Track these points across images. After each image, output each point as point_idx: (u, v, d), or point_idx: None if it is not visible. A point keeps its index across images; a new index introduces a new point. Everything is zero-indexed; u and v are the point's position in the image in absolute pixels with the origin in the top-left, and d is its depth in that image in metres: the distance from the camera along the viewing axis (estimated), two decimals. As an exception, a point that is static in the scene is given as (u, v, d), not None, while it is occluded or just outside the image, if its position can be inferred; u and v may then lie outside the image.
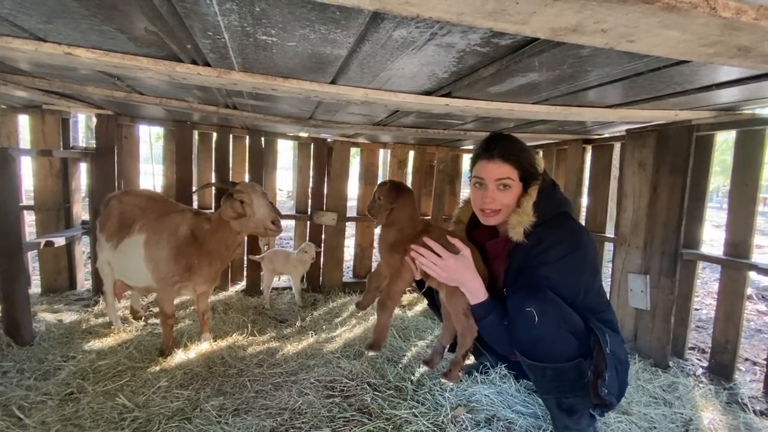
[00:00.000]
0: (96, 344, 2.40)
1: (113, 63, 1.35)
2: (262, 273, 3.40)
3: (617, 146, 2.97)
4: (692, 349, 2.74)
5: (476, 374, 2.12)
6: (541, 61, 1.20)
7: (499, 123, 2.56)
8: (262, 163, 3.45)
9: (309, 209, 3.70)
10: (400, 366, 2.23)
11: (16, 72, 2.02)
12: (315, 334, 2.74)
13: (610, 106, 1.93)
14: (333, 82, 1.55)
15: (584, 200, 3.20)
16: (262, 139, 3.43)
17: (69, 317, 2.77)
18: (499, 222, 1.60)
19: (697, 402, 2.07)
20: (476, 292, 1.53)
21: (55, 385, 1.93)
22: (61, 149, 2.98)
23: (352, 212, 3.84)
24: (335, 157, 3.61)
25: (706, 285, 4.65)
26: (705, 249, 2.49)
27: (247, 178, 3.47)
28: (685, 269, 2.43)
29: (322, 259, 3.69)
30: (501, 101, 1.73)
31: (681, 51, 1.00)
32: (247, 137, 3.40)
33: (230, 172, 3.43)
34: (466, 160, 4.19)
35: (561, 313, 1.37)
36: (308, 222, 3.70)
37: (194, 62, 1.39)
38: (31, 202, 3.05)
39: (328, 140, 3.59)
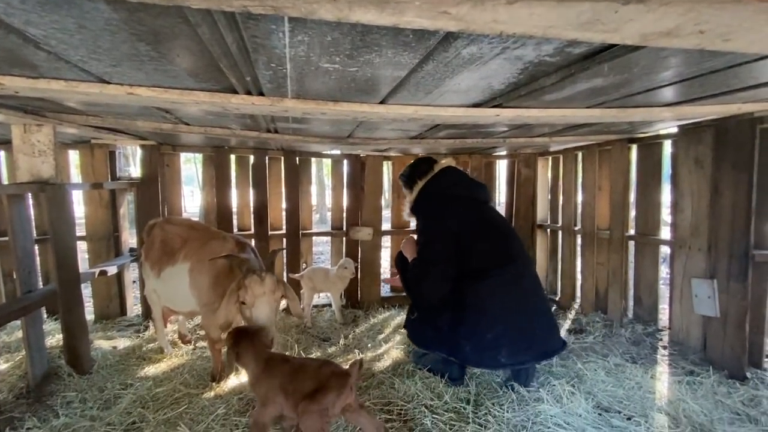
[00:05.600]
0: (151, 370, 2.44)
1: (172, 99, 1.38)
2: (301, 291, 3.41)
3: (666, 144, 2.82)
4: (769, 357, 2.53)
5: (541, 391, 2.03)
6: (612, 66, 1.13)
7: (538, 128, 2.47)
8: (297, 183, 3.48)
9: (344, 225, 3.70)
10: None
11: (72, 111, 2.11)
12: (361, 353, 2.70)
13: (668, 105, 1.83)
14: (383, 102, 1.53)
15: (632, 202, 3.05)
16: (297, 159, 3.46)
17: (122, 343, 2.84)
18: None
19: (787, 418, 1.90)
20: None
21: (118, 414, 1.96)
22: (110, 181, 3.09)
23: (386, 225, 3.82)
24: (368, 172, 3.60)
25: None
26: None
27: (283, 198, 3.50)
28: (757, 272, 2.25)
29: (359, 274, 3.66)
30: (554, 108, 1.67)
31: (779, 46, 0.92)
32: (283, 158, 3.44)
33: (267, 193, 3.47)
34: (500, 166, 4.10)
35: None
36: (344, 238, 3.70)
37: (248, 92, 1.40)
38: (82, 233, 3.18)
39: (361, 155, 3.58)
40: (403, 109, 1.55)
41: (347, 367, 1.57)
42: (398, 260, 2.48)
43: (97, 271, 2.69)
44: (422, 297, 2.21)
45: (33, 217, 2.36)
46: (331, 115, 1.59)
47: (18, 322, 3.11)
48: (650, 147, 2.87)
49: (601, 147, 3.14)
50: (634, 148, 2.97)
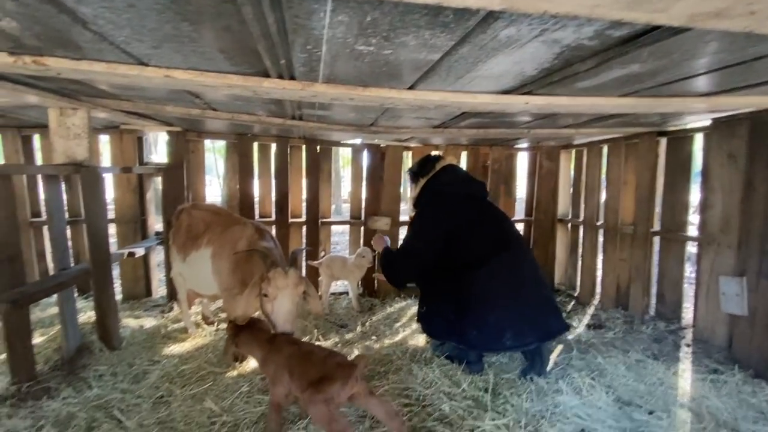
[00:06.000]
0: (176, 349, 2.53)
1: (206, 82, 1.41)
2: (319, 278, 3.46)
3: (697, 138, 2.74)
4: (798, 359, 2.45)
5: (560, 383, 2.03)
6: (651, 51, 1.11)
7: (563, 119, 2.42)
8: (318, 171, 3.51)
9: (362, 214, 3.72)
10: (475, 374, 2.17)
11: (106, 96, 2.18)
12: (378, 340, 2.73)
13: (704, 95, 1.78)
14: (411, 88, 1.54)
15: (658, 198, 2.97)
16: (318, 147, 3.49)
17: (149, 323, 2.94)
18: None
19: (815, 419, 1.85)
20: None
21: (147, 388, 2.04)
22: (138, 165, 3.18)
23: (404, 216, 3.82)
24: (388, 162, 3.61)
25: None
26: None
27: (304, 187, 3.54)
28: (791, 270, 2.18)
29: (376, 264, 3.68)
30: (585, 96, 1.64)
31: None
32: (304, 147, 3.48)
33: (288, 181, 3.52)
34: (522, 159, 4.05)
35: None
36: (362, 227, 3.72)
37: (280, 77, 1.42)
38: (111, 216, 3.28)
39: (381, 145, 3.59)
40: (432, 96, 1.55)
41: (355, 357, 1.60)
42: None
43: (126, 252, 2.79)
44: (389, 277, 2.48)
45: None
46: (359, 101, 1.60)
47: (50, 300, 3.26)
48: (680, 141, 2.79)
49: (628, 140, 3.07)
50: (663, 141, 2.89)
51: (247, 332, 1.81)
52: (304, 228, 3.62)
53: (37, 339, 2.57)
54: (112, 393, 1.99)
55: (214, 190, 13.34)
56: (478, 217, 2.31)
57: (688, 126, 2.71)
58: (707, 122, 2.53)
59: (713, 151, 2.47)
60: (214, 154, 16.09)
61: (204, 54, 1.23)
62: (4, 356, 2.29)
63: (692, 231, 2.81)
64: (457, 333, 2.17)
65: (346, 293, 3.64)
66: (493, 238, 2.25)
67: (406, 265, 2.37)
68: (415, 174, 2.52)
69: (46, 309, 3.14)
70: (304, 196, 3.59)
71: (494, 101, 1.61)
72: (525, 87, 1.53)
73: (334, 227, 3.98)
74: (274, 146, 3.47)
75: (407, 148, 3.68)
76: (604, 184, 3.42)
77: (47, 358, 2.30)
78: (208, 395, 1.98)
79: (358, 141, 3.58)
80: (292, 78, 1.44)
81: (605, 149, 3.34)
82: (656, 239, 2.97)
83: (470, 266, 2.16)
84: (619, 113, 2.07)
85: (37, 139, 3.33)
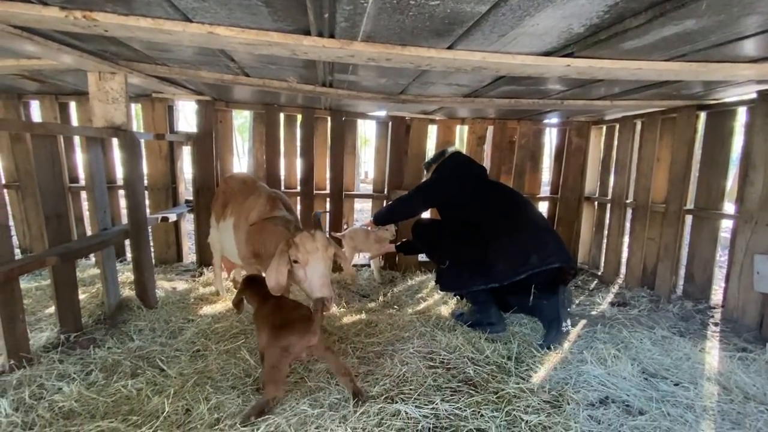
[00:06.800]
0: (208, 310, 2.64)
1: (247, 40, 1.43)
2: (342, 250, 3.51)
3: (740, 111, 2.62)
4: (831, 341, 2.39)
5: (585, 353, 2.04)
6: (710, 3, 1.06)
7: (597, 89, 2.34)
8: (343, 143, 3.52)
9: (386, 188, 3.74)
10: (498, 343, 2.21)
11: (142, 60, 2.22)
12: (400, 309, 2.79)
13: (755, 61, 1.69)
14: (451, 47, 1.51)
15: (694, 174, 2.88)
16: (343, 119, 3.49)
17: (181, 285, 3.07)
18: None
19: None
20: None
21: (184, 342, 2.15)
22: (169, 133, 3.25)
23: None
24: (413, 135, 3.59)
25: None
26: None
27: (328, 159, 3.57)
28: (833, 250, 2.11)
29: (398, 237, 3.71)
30: (630, 59, 1.58)
31: None
32: (329, 118, 3.48)
33: (314, 152, 3.54)
34: (549, 135, 3.96)
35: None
36: (385, 201, 3.74)
37: (320, 34, 1.42)
38: (143, 183, 3.39)
39: (407, 118, 3.56)
40: (471, 56, 1.53)
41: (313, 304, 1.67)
42: (414, 229, 2.81)
43: (159, 216, 2.89)
44: (378, 215, 2.89)
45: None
46: (396, 61, 1.59)
47: (89, 262, 3.44)
48: (721, 115, 2.67)
49: (664, 114, 2.96)
50: (703, 116, 2.77)
51: (254, 286, 1.91)
52: (328, 200, 3.66)
53: (80, 296, 2.72)
54: (152, 345, 2.11)
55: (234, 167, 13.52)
56: (483, 185, 2.63)
57: (731, 99, 2.59)
58: (752, 95, 2.42)
59: (757, 125, 2.36)
60: (234, 132, 16.27)
61: (249, 7, 1.23)
62: (50, 310, 2.46)
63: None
64: (482, 275, 2.36)
65: (368, 265, 3.69)
66: (500, 196, 2.58)
67: (395, 210, 2.78)
68: (429, 164, 2.89)
69: (85, 270, 3.31)
70: (328, 168, 3.62)
71: (534, 63, 1.57)
72: (568, 47, 1.48)
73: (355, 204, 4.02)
74: (300, 117, 3.48)
75: (432, 122, 3.64)
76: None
77: (91, 312, 2.45)
78: (240, 351, 2.07)
79: (382, 113, 3.56)
80: (332, 36, 1.43)
81: (639, 125, 3.23)
82: (688, 218, 2.90)
83: (487, 214, 2.47)
84: (662, 81, 1.99)
85: (73, 107, 3.43)
